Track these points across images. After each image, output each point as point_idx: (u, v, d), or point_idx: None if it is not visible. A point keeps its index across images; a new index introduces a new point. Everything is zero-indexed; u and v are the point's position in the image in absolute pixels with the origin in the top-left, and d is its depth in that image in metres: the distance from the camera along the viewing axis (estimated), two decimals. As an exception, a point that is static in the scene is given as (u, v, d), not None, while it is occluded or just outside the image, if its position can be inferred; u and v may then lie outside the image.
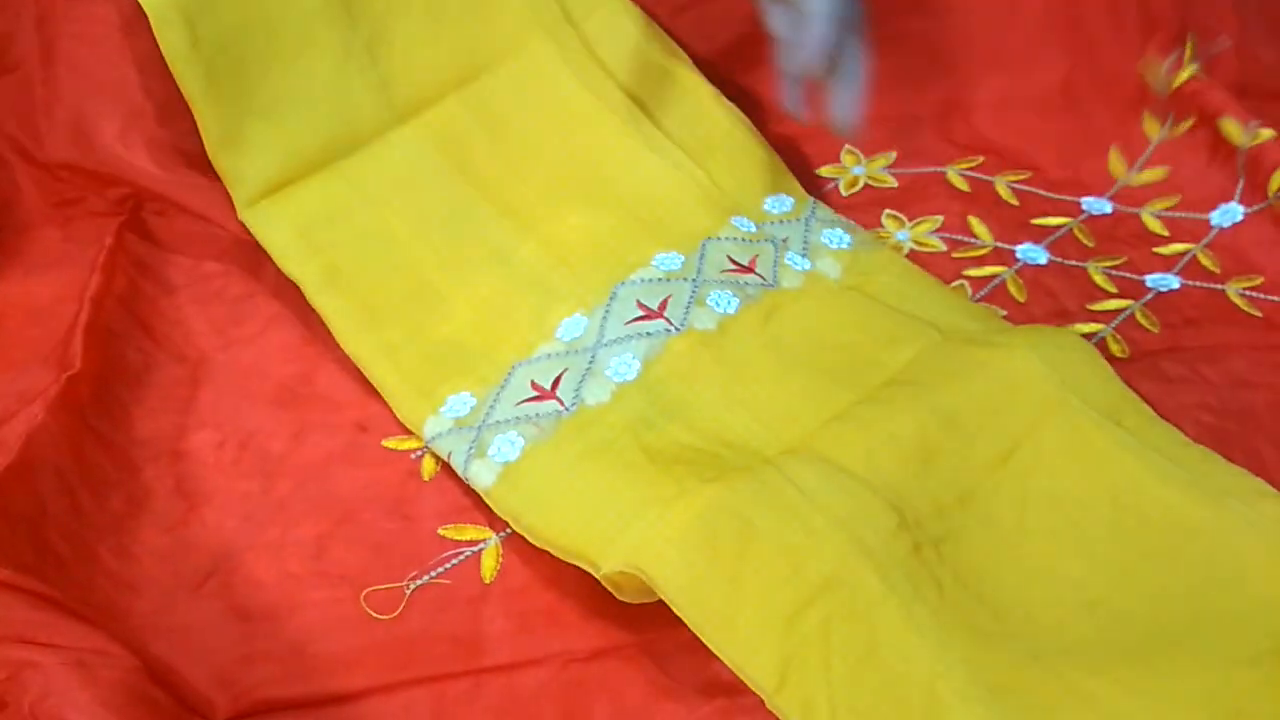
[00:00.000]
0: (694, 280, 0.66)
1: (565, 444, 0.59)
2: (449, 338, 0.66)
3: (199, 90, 0.67)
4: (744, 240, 0.69)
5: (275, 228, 0.68)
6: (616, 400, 0.61)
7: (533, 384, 0.62)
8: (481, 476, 0.59)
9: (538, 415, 0.61)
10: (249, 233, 0.69)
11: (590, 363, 0.63)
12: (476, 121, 0.73)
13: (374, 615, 0.56)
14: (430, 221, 0.70)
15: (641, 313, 0.64)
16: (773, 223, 0.71)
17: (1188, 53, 0.78)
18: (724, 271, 0.67)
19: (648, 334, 0.63)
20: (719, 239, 0.69)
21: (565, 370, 0.63)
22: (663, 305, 0.65)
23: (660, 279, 0.66)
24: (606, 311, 0.65)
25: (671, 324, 0.63)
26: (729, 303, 0.65)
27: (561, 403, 0.61)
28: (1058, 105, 0.81)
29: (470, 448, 0.60)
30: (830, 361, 0.62)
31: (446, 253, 0.69)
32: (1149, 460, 0.56)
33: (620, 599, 0.53)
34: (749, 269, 0.67)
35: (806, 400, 0.60)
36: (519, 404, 0.62)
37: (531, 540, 0.56)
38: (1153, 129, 0.79)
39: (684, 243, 0.69)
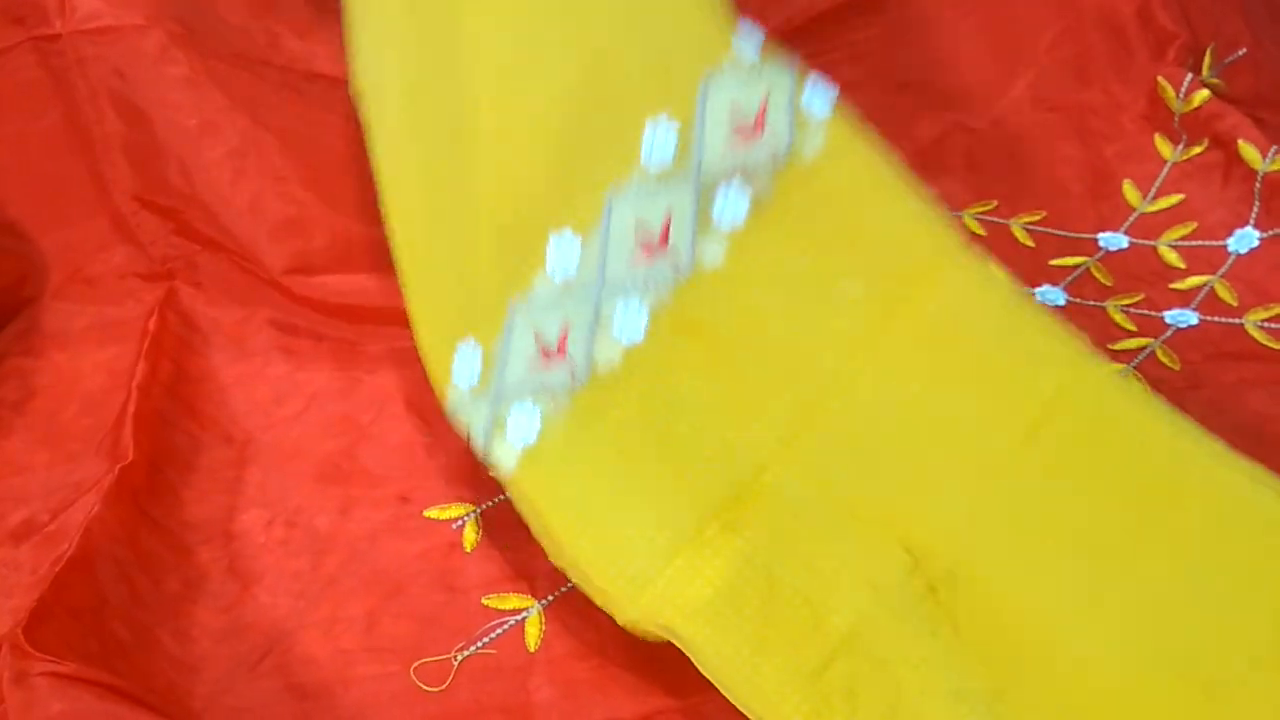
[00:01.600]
0: (695, 178, 0.61)
1: (581, 429, 0.58)
2: (470, 228, 0.62)
3: None
4: (749, 75, 0.61)
5: None
6: (627, 370, 0.59)
7: (537, 337, 0.60)
8: (503, 460, 0.59)
9: (549, 385, 0.59)
10: (284, 311, 0.73)
11: (595, 314, 0.60)
12: None
13: (424, 688, 0.58)
14: None
15: (643, 249, 0.60)
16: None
17: (1205, 70, 0.79)
18: (731, 135, 0.61)
19: (653, 280, 0.60)
20: (721, 72, 0.61)
21: (569, 323, 0.61)
22: (664, 233, 0.60)
23: (657, 179, 0.61)
24: (605, 238, 0.61)
25: (678, 265, 0.60)
26: (738, 207, 0.61)
27: (572, 367, 0.59)
28: (1068, 134, 0.82)
29: (489, 422, 0.59)
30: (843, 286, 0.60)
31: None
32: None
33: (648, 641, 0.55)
34: (758, 126, 0.61)
35: (815, 351, 0.59)
36: (529, 370, 0.60)
37: (550, 551, 0.57)
38: (1166, 150, 0.80)
39: (681, 98, 0.61)
